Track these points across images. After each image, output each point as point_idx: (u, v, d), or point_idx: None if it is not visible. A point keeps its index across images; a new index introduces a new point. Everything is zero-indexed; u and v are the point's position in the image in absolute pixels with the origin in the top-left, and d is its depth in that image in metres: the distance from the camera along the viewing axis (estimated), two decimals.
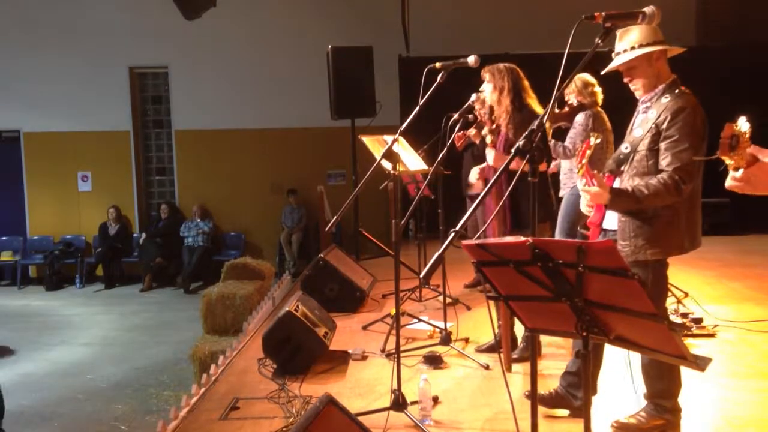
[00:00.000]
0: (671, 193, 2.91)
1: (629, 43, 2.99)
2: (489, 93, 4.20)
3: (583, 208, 3.16)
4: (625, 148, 3.13)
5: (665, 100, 3.02)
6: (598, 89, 5.14)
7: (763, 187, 1.76)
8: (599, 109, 5.16)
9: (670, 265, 3.16)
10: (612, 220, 3.15)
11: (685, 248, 3.09)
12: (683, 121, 2.93)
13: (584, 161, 2.82)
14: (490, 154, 4.17)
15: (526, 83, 4.21)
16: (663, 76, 3.06)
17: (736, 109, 2.11)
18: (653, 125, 3.00)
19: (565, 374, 3.48)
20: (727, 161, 1.73)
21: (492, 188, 2.35)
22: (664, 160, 2.95)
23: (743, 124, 1.69)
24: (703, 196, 3.18)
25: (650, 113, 3.05)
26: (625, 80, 3.10)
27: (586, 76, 5.10)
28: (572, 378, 3.42)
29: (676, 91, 3.03)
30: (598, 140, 2.86)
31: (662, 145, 2.96)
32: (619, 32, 2.99)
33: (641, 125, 3.08)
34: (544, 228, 4.08)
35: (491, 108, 4.21)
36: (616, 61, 3.04)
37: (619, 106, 4.06)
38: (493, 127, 4.24)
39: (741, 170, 1.74)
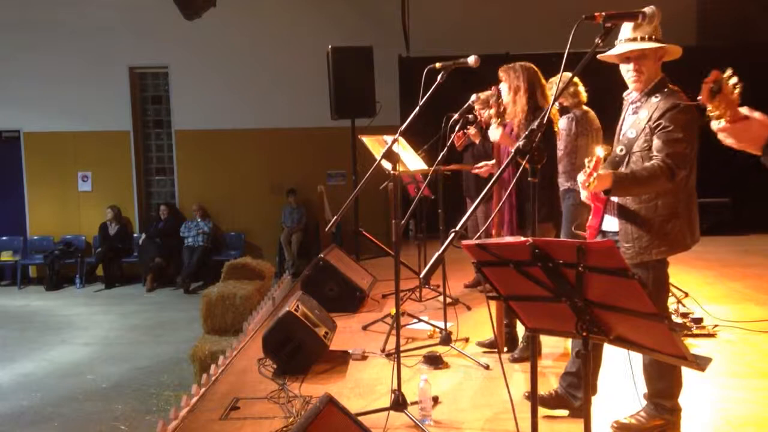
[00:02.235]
0: (666, 177, 2.89)
1: (645, 33, 2.95)
2: (505, 92, 4.16)
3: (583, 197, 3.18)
4: (619, 150, 3.12)
5: (655, 99, 3.01)
6: (581, 88, 5.01)
7: (747, 142, 1.77)
8: (584, 108, 5.02)
9: (671, 264, 3.16)
10: (611, 222, 3.14)
11: (687, 245, 3.08)
12: (678, 114, 2.92)
13: (595, 175, 2.79)
14: (495, 133, 4.10)
15: (544, 83, 4.18)
16: (657, 74, 3.06)
17: None
18: (646, 126, 2.99)
19: (565, 374, 3.48)
20: (709, 108, 1.73)
21: (493, 187, 2.35)
22: (657, 147, 2.94)
23: (730, 76, 1.69)
24: (703, 196, 3.18)
25: (641, 113, 3.04)
26: (632, 68, 3.02)
27: (568, 75, 5.02)
28: (572, 378, 3.42)
29: (665, 89, 3.02)
30: (604, 153, 2.86)
31: (656, 135, 2.95)
32: (632, 23, 2.93)
33: (633, 126, 3.07)
34: (548, 228, 4.06)
35: (505, 106, 4.17)
36: (632, 46, 2.97)
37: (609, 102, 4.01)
38: (502, 120, 4.20)
39: (722, 122, 1.73)
